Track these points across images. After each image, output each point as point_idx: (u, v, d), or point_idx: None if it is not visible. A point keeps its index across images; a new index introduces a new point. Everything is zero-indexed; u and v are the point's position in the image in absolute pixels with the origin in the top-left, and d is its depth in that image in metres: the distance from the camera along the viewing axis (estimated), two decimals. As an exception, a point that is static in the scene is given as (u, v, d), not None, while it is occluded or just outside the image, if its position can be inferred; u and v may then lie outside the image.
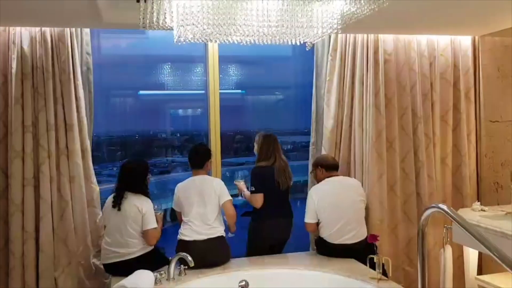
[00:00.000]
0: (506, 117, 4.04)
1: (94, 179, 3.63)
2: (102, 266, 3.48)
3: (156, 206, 3.38)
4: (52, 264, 3.43)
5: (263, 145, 3.70)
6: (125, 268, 3.01)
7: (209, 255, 3.26)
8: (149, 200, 3.29)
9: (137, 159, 3.59)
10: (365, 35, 3.98)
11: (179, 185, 3.51)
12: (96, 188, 3.64)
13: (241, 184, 3.83)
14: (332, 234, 3.51)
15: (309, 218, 3.59)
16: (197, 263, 3.00)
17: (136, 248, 3.20)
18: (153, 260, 3.23)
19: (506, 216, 3.42)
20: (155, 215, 3.29)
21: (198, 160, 3.52)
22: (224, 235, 3.42)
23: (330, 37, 3.95)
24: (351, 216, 3.54)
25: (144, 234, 3.21)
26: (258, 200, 3.61)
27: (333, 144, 3.98)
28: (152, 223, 3.21)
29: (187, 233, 3.32)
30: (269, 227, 3.63)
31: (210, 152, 3.61)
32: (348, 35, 3.97)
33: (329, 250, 3.53)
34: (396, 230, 4.04)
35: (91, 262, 3.58)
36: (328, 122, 3.99)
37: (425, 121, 4.11)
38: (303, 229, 3.76)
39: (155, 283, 2.73)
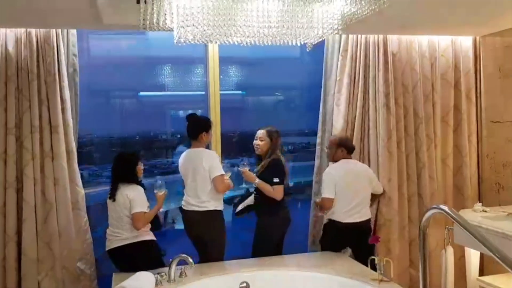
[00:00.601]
0: (507, 118, 4.03)
1: (79, 181, 3.58)
2: (87, 271, 3.52)
3: (159, 182, 3.36)
4: (36, 267, 3.38)
5: (279, 139, 3.70)
6: (119, 253, 3.22)
7: (196, 227, 3.42)
8: (138, 187, 3.29)
9: (127, 151, 3.61)
10: (375, 36, 4.00)
11: (181, 156, 3.61)
12: (81, 191, 3.58)
13: (248, 171, 3.63)
14: (345, 212, 3.59)
15: (329, 193, 3.60)
16: (187, 233, 3.37)
17: (128, 235, 3.24)
18: (146, 253, 3.25)
19: (508, 217, 3.42)
20: (157, 195, 3.34)
21: (190, 130, 3.53)
22: (218, 208, 3.45)
23: (340, 37, 3.98)
24: (363, 197, 3.66)
25: (132, 218, 3.23)
26: (281, 192, 3.60)
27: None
28: (137, 207, 3.21)
29: (184, 202, 3.53)
30: (282, 220, 3.66)
31: (204, 124, 3.54)
32: (359, 35, 3.98)
33: (338, 231, 3.62)
34: (404, 231, 4.06)
35: (76, 266, 3.53)
36: (338, 122, 3.99)
37: (426, 121, 4.12)
38: (302, 230, 3.76)
39: (156, 284, 2.72)
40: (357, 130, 4.00)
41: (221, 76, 4.06)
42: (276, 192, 3.56)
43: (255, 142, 3.69)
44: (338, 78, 4.00)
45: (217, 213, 3.45)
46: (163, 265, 3.15)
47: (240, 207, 3.79)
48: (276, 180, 3.57)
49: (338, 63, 4.00)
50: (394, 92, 4.01)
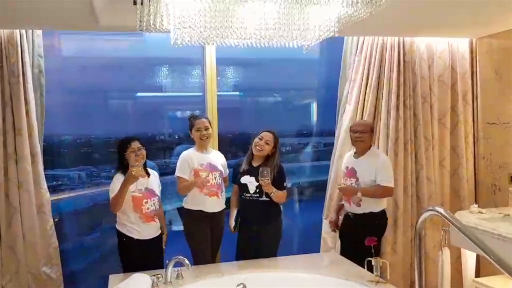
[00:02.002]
0: (503, 119, 4.04)
1: (44, 185, 3.52)
2: (53, 275, 3.48)
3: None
4: None
5: (278, 143, 3.61)
6: None
7: None
8: (116, 174, 3.26)
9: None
10: (390, 38, 4.07)
11: None
12: (46, 194, 3.52)
13: (270, 184, 3.39)
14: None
15: (393, 182, 3.61)
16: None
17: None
18: (119, 242, 3.30)
19: (504, 219, 3.43)
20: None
21: None
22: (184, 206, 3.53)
23: (358, 39, 4.06)
24: None
25: None
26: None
27: (348, 142, 3.96)
28: (110, 193, 3.21)
29: None
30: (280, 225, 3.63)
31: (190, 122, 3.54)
32: (375, 37, 4.05)
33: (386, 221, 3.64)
34: (408, 231, 4.08)
35: (41, 271, 3.47)
36: (345, 121, 4.06)
37: (424, 123, 4.14)
38: (302, 231, 3.75)
39: (152, 286, 2.71)
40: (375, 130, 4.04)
41: (218, 78, 4.06)
42: (285, 197, 3.55)
43: (259, 142, 3.51)
44: (352, 79, 4.07)
45: (183, 210, 3.54)
46: (161, 267, 3.14)
47: (233, 223, 3.59)
48: (286, 185, 3.55)
49: (354, 64, 4.07)
50: (403, 94, 4.08)
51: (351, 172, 3.65)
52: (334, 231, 3.86)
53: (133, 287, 2.62)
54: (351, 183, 3.63)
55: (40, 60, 3.53)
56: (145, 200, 3.29)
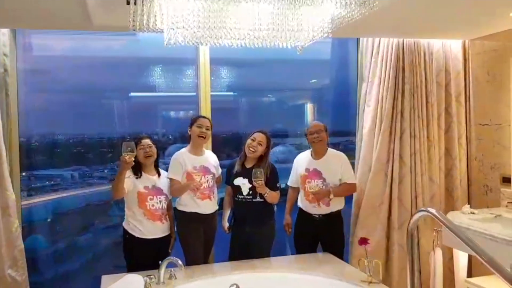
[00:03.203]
0: (495, 121, 4.07)
1: (9, 186, 3.42)
2: (18, 278, 3.41)
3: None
4: None
5: (270, 143, 3.61)
6: None
7: None
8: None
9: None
10: (406, 39, 4.13)
11: None
12: (12, 196, 3.44)
13: (263, 185, 3.37)
14: None
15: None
16: None
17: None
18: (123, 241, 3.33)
19: (495, 219, 3.45)
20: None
21: None
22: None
23: (373, 40, 4.12)
24: None
25: None
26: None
27: (371, 143, 4.11)
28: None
29: None
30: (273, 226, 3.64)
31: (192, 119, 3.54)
32: (391, 39, 4.11)
33: None
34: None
35: (6, 273, 3.39)
36: (367, 122, 4.13)
37: (427, 123, 4.21)
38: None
39: (145, 286, 2.71)
40: (384, 130, 4.08)
41: (212, 78, 4.06)
42: (278, 197, 3.54)
43: (252, 143, 3.50)
44: (369, 80, 4.14)
45: (176, 212, 3.53)
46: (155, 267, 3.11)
47: (227, 224, 3.62)
48: (278, 185, 3.55)
49: (371, 65, 4.13)
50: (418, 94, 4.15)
51: (315, 174, 3.68)
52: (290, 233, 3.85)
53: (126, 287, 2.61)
54: (317, 184, 3.66)
55: (5, 59, 3.46)
56: (150, 197, 3.33)
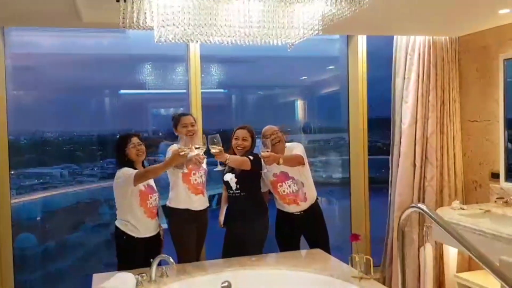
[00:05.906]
0: (484, 117, 4.11)
1: None
2: None
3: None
4: None
5: (254, 134, 3.63)
6: None
7: None
8: (121, 170, 3.24)
9: (121, 135, 3.49)
10: (442, 37, 4.23)
11: None
12: None
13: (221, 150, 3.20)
14: None
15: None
16: None
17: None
18: (118, 242, 3.29)
19: (484, 215, 3.49)
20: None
21: None
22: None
23: (408, 38, 4.23)
24: None
25: None
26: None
27: (412, 140, 4.22)
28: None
29: None
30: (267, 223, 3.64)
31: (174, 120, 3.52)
32: (426, 36, 4.19)
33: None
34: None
35: None
36: (407, 118, 4.24)
37: (442, 119, 4.32)
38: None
39: (136, 285, 2.70)
40: (420, 127, 4.22)
41: (202, 75, 4.05)
42: (244, 161, 3.42)
43: (237, 142, 3.53)
44: (406, 76, 4.24)
45: (168, 209, 3.52)
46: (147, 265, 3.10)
47: (223, 219, 3.63)
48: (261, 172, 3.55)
49: (407, 62, 4.23)
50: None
51: (283, 176, 3.63)
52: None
53: (117, 286, 2.60)
54: (289, 186, 3.63)
55: None
56: (150, 195, 3.32)
